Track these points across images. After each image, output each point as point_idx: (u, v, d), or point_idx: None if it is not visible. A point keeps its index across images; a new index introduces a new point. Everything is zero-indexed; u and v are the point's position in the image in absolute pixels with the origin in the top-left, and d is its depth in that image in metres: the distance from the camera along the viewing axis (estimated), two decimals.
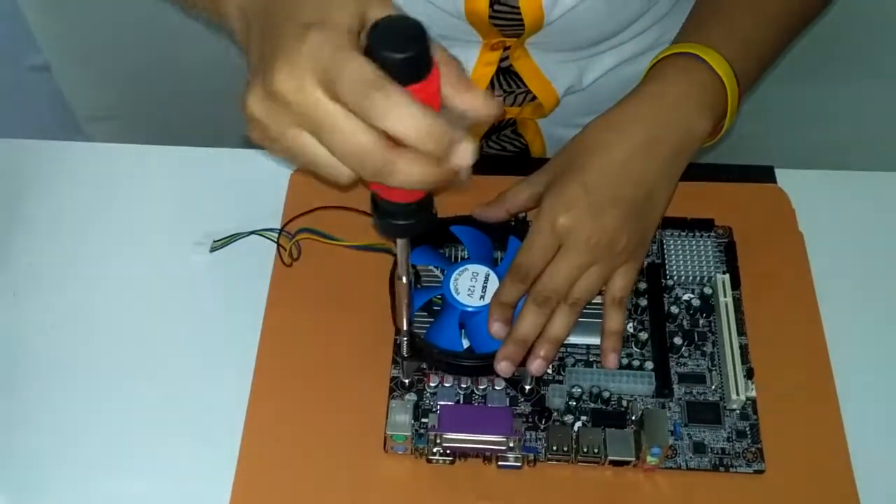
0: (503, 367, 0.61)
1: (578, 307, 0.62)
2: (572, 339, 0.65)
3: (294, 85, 0.42)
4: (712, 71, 0.62)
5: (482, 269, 0.65)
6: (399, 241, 0.53)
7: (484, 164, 0.76)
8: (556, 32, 0.71)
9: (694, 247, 0.70)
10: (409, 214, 0.48)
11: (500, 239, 0.69)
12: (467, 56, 0.75)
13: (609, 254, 0.61)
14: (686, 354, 0.66)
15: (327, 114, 0.42)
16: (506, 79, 0.77)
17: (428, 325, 0.65)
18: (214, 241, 0.72)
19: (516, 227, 0.68)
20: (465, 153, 0.42)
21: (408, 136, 0.41)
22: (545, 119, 0.81)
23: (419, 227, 0.48)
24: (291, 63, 0.42)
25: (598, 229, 0.60)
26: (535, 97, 0.78)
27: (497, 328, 0.62)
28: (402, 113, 0.40)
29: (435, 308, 0.66)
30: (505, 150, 0.86)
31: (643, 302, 0.68)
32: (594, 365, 0.65)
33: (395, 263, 0.65)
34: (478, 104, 0.43)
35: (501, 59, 0.75)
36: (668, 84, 0.63)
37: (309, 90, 0.42)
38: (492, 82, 0.77)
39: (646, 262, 0.70)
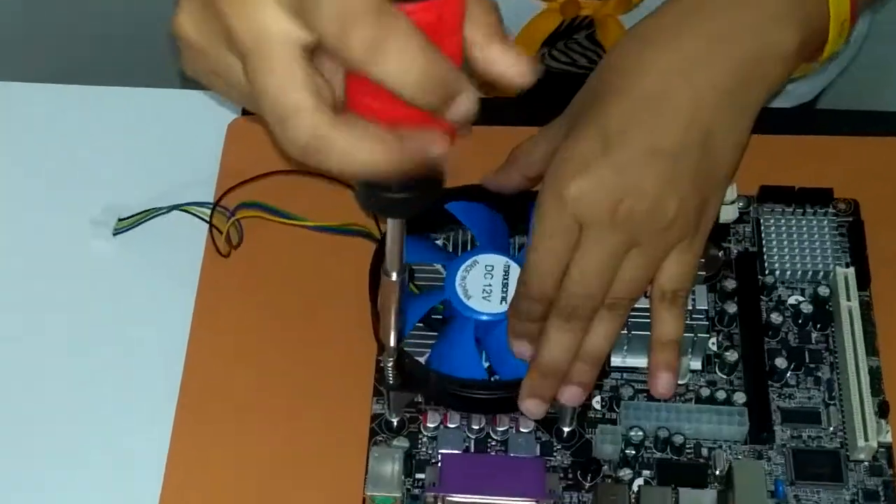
0: (530, 406, 0.54)
1: (623, 309, 0.53)
2: (630, 362, 0.58)
3: (240, 6, 0.39)
4: None
5: (499, 260, 0.57)
6: (389, 223, 0.46)
7: (542, 83, 0.66)
8: None
9: (804, 229, 0.62)
10: (409, 183, 0.41)
11: (518, 214, 0.60)
12: None
13: (652, 227, 0.51)
14: (793, 383, 0.59)
15: (264, 51, 0.39)
16: None
17: (428, 344, 0.58)
18: (119, 220, 0.64)
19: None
20: (461, 107, 0.39)
21: (399, 86, 0.38)
22: (632, 15, 0.71)
23: (422, 200, 0.42)
24: None
25: (629, 192, 0.50)
26: None
27: (521, 348, 0.54)
28: (401, 49, 0.37)
29: (435, 318, 0.59)
30: (574, 65, 0.75)
31: (731, 308, 0.60)
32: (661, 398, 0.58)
33: (378, 251, 0.58)
34: (507, 64, 0.39)
35: None
36: None
37: (260, 13, 0.38)
38: None
39: (735, 251, 0.62)
